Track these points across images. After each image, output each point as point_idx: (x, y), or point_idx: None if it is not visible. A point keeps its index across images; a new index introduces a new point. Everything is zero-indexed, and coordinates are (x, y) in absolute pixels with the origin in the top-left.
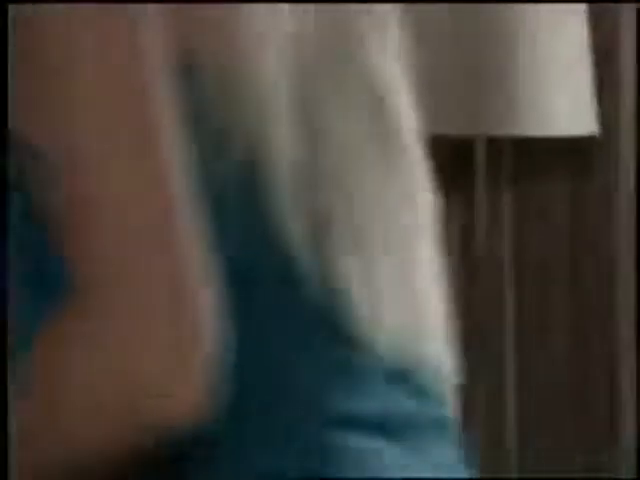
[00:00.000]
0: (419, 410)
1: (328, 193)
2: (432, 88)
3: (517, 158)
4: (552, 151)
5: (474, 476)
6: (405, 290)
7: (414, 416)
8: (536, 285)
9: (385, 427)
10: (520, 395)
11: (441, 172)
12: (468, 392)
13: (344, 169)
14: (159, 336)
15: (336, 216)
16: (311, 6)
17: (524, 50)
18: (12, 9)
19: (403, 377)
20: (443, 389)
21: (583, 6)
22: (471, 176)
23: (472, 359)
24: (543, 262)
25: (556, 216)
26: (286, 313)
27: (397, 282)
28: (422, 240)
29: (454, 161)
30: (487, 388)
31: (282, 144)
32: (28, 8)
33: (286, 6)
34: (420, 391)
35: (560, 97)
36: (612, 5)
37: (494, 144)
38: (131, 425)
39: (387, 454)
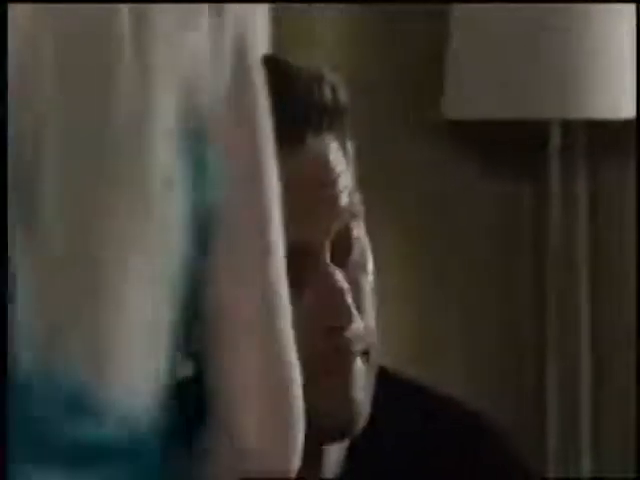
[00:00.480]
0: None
1: None
2: (506, 75)
3: (592, 142)
4: (625, 134)
5: None
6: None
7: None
8: (613, 273)
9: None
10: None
11: (515, 157)
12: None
13: None
14: None
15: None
16: None
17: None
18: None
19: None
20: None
21: None
22: (546, 160)
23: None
24: (620, 247)
25: (630, 201)
26: None
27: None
28: None
29: (529, 146)
30: (561, 382)
31: None
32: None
33: None
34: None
35: (628, 80)
36: None
37: (569, 128)
38: None
39: None
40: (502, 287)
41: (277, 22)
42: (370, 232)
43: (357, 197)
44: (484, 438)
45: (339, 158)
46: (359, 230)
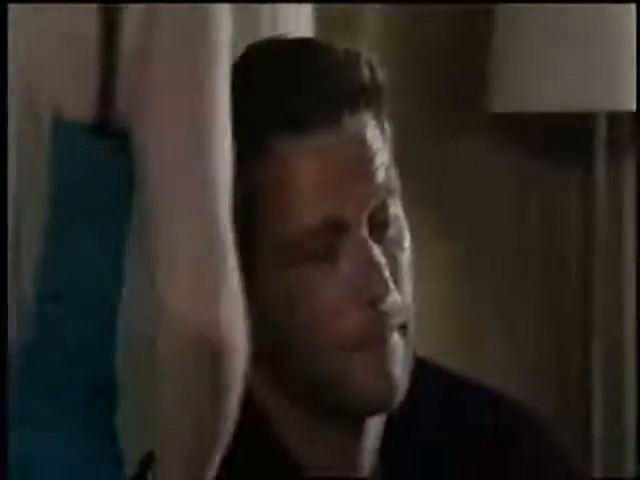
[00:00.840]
0: None
1: None
2: (552, 67)
3: (638, 133)
4: None
5: None
6: None
7: None
8: None
9: None
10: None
11: (561, 149)
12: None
13: None
14: None
15: None
16: None
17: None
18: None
19: None
20: None
21: None
22: (592, 152)
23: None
24: None
25: None
26: None
27: None
28: None
29: (575, 138)
30: (605, 368)
31: None
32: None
33: None
34: None
35: None
36: None
37: (615, 120)
38: None
39: None
40: (547, 274)
41: (318, 21)
42: (413, 224)
43: (393, 173)
44: (526, 429)
45: (376, 136)
46: (396, 208)
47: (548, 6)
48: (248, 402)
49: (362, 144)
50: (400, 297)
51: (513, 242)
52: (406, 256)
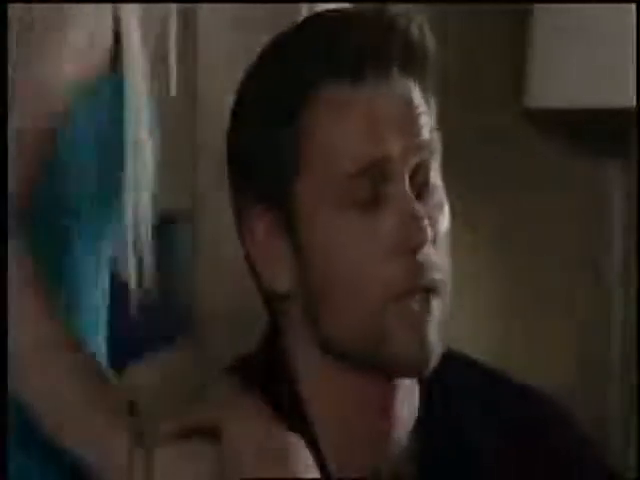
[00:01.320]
0: None
1: None
2: (590, 63)
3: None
4: None
5: None
6: None
7: None
8: None
9: None
10: None
11: (599, 145)
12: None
13: None
14: None
15: None
16: None
17: None
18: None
19: None
20: None
21: None
22: (629, 148)
23: None
24: None
25: None
26: None
27: None
28: None
29: (613, 134)
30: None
31: None
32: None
33: None
34: None
35: None
36: None
37: None
38: None
39: None
40: (582, 271)
41: None
42: (458, 219)
43: (437, 137)
44: (555, 422)
45: (421, 100)
46: (436, 174)
47: (586, 4)
48: (279, 362)
49: (409, 102)
50: (437, 258)
51: (551, 238)
52: (445, 223)
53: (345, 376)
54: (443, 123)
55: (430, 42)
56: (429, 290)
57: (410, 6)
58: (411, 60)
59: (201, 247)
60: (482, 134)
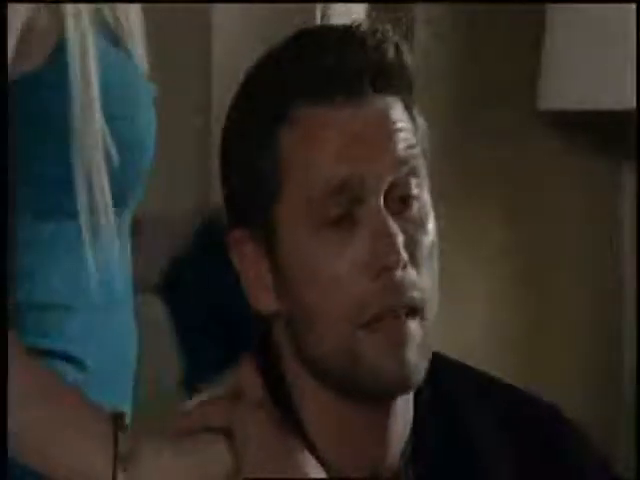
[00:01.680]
0: None
1: None
2: (602, 65)
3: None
4: None
5: None
6: None
7: None
8: None
9: None
10: None
11: (618, 143)
12: None
13: None
14: None
15: None
16: None
17: None
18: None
19: None
20: None
21: None
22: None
23: None
24: None
25: None
26: None
27: None
28: None
29: (624, 135)
30: None
31: None
32: None
33: None
34: None
35: None
36: None
37: None
38: None
39: None
40: (593, 272)
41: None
42: (469, 219)
43: (421, 161)
44: (559, 427)
45: (402, 117)
46: (420, 190)
47: (598, 5)
48: (275, 370)
49: (385, 120)
50: (416, 276)
51: (560, 239)
52: (428, 240)
53: (329, 395)
54: (456, 124)
55: (408, 60)
56: (406, 310)
57: (386, 22)
58: (386, 78)
59: None
60: (494, 135)
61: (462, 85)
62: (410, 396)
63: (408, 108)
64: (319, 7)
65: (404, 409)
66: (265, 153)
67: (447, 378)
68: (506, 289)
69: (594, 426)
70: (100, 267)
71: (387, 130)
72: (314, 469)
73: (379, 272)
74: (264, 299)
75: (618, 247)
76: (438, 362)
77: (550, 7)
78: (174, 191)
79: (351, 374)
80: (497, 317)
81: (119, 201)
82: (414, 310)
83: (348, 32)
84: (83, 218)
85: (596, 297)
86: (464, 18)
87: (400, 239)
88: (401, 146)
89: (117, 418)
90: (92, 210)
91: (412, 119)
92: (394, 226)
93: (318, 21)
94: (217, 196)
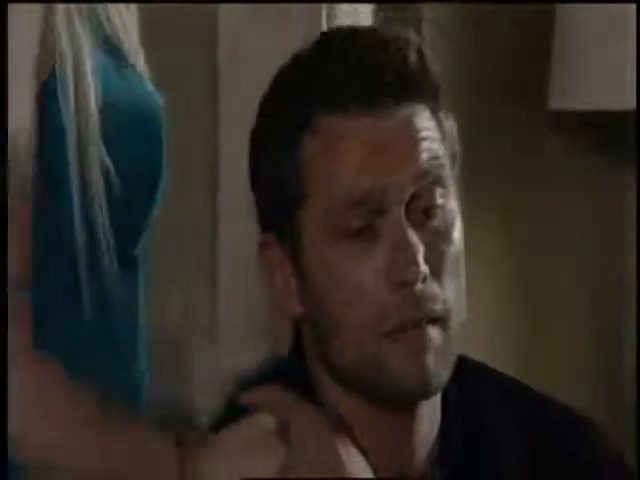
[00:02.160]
0: None
1: None
2: (612, 65)
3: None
4: None
5: None
6: None
7: None
8: None
9: None
10: None
11: (621, 147)
12: None
13: None
14: None
15: None
16: None
17: None
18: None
19: None
20: None
21: None
22: None
23: None
24: None
25: None
26: None
27: None
28: None
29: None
30: None
31: None
32: None
33: None
34: None
35: None
36: None
37: None
38: None
39: None
40: (598, 274)
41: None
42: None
43: (447, 170)
44: (577, 428)
45: (428, 125)
46: (446, 200)
47: (608, 5)
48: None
49: (408, 129)
50: (438, 288)
51: (568, 239)
52: (453, 250)
53: (353, 399)
54: (463, 123)
55: (433, 66)
56: (427, 320)
57: (408, 26)
58: (408, 86)
59: None
60: (501, 134)
61: (469, 85)
62: (437, 398)
63: (434, 114)
64: (325, 7)
65: (431, 411)
66: (288, 160)
67: (471, 379)
68: (507, 289)
69: None
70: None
71: (410, 140)
72: (365, 470)
73: (398, 285)
74: (289, 303)
75: (620, 247)
76: (462, 364)
77: (559, 6)
78: (182, 191)
79: (374, 381)
80: (498, 317)
81: (126, 235)
82: (436, 320)
83: (369, 38)
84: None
85: (597, 297)
86: (471, 18)
87: (421, 251)
88: (424, 156)
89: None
90: (91, 247)
91: (439, 125)
92: (414, 237)
93: (324, 21)
94: (222, 196)
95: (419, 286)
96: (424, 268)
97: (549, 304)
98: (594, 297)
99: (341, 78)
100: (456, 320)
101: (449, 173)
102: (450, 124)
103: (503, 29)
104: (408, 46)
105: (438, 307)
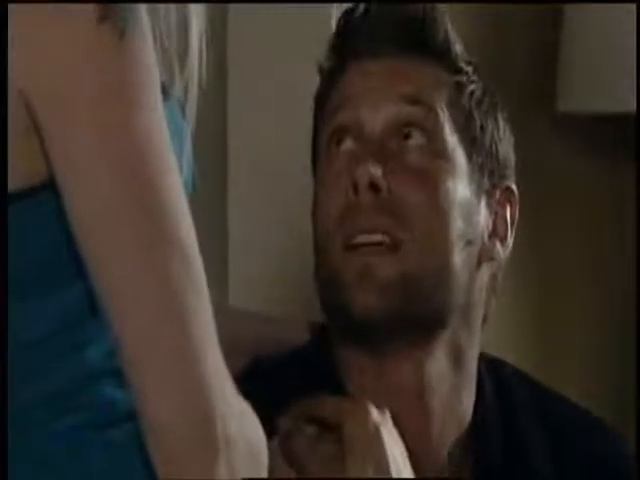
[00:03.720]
0: None
1: None
2: (621, 68)
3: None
4: None
5: None
6: None
7: None
8: None
9: None
10: None
11: (629, 149)
12: None
13: None
14: None
15: None
16: None
17: None
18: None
19: None
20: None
21: None
22: None
23: None
24: None
25: None
26: None
27: None
28: None
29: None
30: None
31: None
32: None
33: None
34: None
35: None
36: None
37: None
38: None
39: None
40: (611, 274)
41: None
42: None
43: (435, 118)
44: (602, 436)
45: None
46: (431, 145)
47: (615, 7)
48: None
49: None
50: (395, 199)
51: (576, 243)
52: (431, 192)
53: (362, 355)
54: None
55: (451, 32)
56: (377, 245)
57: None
58: (416, 41)
59: None
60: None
61: None
62: (464, 390)
63: (450, 75)
64: (335, 7)
65: (453, 392)
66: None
67: (510, 384)
68: (508, 290)
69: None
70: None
71: (391, 82)
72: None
73: (349, 187)
74: None
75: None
76: (502, 368)
77: (567, 8)
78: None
79: (337, 299)
80: (498, 317)
81: None
82: (388, 246)
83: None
84: None
85: (599, 298)
86: (477, 21)
87: (373, 159)
88: (402, 98)
89: None
90: None
91: (457, 87)
92: (375, 143)
93: (334, 21)
94: (229, 195)
95: (368, 196)
96: (379, 179)
97: (553, 304)
98: (595, 297)
99: (356, 32)
100: (424, 253)
101: (445, 123)
102: (479, 97)
103: (509, 32)
104: (433, 13)
105: (387, 222)
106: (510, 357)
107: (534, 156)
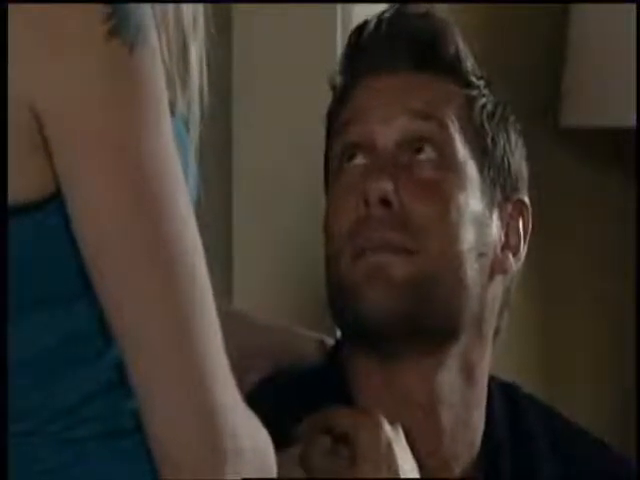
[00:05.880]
0: None
1: None
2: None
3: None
4: None
5: None
6: None
7: None
8: None
9: None
10: None
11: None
12: None
13: None
14: None
15: None
16: None
17: None
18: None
19: None
20: None
21: None
22: None
23: None
24: None
25: None
26: None
27: None
28: None
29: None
30: None
31: None
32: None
33: None
34: None
35: None
36: None
37: None
38: None
39: None
40: (616, 287)
41: None
42: None
43: (445, 131)
44: (609, 460)
45: (428, 87)
46: (442, 159)
47: (621, 17)
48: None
49: (403, 89)
50: (406, 220)
51: (577, 256)
52: (441, 202)
53: (372, 364)
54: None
55: (460, 44)
56: (386, 249)
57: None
58: (426, 57)
59: None
60: None
61: None
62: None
63: (460, 88)
64: (339, 7)
65: (464, 405)
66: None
67: (520, 406)
68: (517, 300)
69: (594, 426)
70: None
71: (402, 97)
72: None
73: (360, 201)
74: None
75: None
76: (513, 390)
77: (572, 18)
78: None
79: (350, 305)
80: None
81: None
82: (397, 250)
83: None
84: None
85: (599, 309)
86: (480, 34)
87: (386, 175)
88: (410, 113)
89: None
90: None
91: (467, 100)
92: (387, 161)
93: (339, 21)
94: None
95: (379, 210)
96: (385, 185)
97: (551, 316)
98: (598, 305)
99: (364, 50)
100: (436, 264)
101: (455, 136)
102: (490, 110)
103: (513, 48)
104: (444, 28)
105: (398, 236)
106: (511, 361)
107: (536, 169)
